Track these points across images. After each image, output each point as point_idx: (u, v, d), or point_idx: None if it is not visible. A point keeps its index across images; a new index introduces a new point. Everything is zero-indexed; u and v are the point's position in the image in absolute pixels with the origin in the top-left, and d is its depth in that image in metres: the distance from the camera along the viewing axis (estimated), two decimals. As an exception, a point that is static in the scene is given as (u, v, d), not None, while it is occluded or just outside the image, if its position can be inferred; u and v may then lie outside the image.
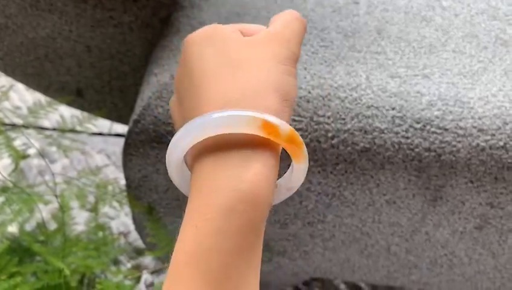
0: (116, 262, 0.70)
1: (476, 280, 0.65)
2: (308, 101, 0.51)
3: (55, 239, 0.59)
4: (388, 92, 0.52)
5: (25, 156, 0.62)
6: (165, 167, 0.26)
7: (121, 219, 1.04)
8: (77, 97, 0.75)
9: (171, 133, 0.51)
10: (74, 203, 0.63)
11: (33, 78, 0.73)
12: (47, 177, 1.07)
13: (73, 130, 0.68)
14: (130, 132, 0.53)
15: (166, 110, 0.52)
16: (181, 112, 0.28)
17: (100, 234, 0.63)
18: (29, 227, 0.62)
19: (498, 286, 0.65)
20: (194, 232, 0.23)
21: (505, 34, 0.58)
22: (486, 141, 0.50)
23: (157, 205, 0.60)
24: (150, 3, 0.62)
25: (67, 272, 0.49)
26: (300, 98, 0.51)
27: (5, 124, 0.64)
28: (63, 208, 0.59)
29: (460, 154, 0.50)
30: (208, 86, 0.26)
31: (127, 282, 0.60)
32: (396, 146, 0.51)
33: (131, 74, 0.70)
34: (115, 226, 1.03)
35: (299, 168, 0.26)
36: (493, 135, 0.50)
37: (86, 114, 0.71)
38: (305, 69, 0.53)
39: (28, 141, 0.60)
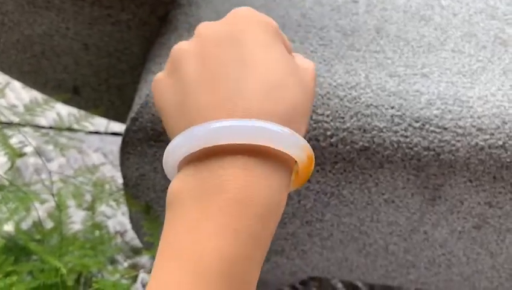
0: (113, 261, 0.69)
1: (474, 280, 0.65)
2: (307, 100, 0.51)
3: (51, 238, 0.58)
4: (387, 91, 0.52)
5: (21, 154, 0.62)
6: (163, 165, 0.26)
7: (117, 218, 1.04)
8: (74, 95, 0.75)
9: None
10: (71, 202, 0.62)
11: (29, 75, 0.73)
12: (43, 176, 1.06)
13: (70, 129, 0.68)
14: (127, 130, 0.53)
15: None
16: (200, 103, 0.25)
17: (97, 233, 0.63)
18: (25, 226, 0.61)
19: (496, 285, 0.65)
20: (234, 237, 0.22)
21: (503, 34, 0.58)
22: (485, 140, 0.50)
23: (155, 204, 0.60)
24: (147, 1, 0.62)
25: (63, 271, 0.49)
26: (299, 96, 0.51)
27: (1, 122, 0.63)
28: (60, 207, 0.58)
29: (459, 153, 0.50)
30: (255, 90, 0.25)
31: (124, 281, 0.60)
32: (395, 145, 0.50)
33: (128, 72, 0.70)
34: (112, 225, 1.02)
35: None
36: (492, 134, 0.50)
37: (83, 112, 0.70)
38: (304, 67, 0.53)
39: (25, 139, 0.60)
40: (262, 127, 0.23)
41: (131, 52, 0.67)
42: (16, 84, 1.28)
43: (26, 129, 0.65)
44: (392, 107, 0.51)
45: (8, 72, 0.73)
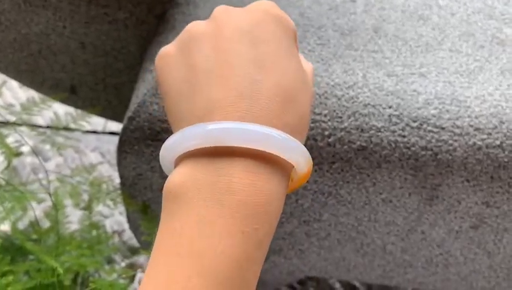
0: (110, 261, 0.69)
1: (471, 279, 0.65)
2: (304, 99, 0.51)
3: (48, 237, 0.58)
4: (385, 90, 0.52)
5: (18, 154, 0.62)
6: (160, 164, 0.25)
7: (115, 218, 1.03)
8: (71, 94, 0.75)
9: (166, 130, 0.51)
10: (68, 202, 0.62)
11: (26, 74, 0.73)
12: (40, 175, 1.06)
13: (67, 128, 0.68)
14: (124, 129, 0.53)
15: (162, 107, 0.51)
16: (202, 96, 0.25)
17: (94, 232, 0.63)
18: (22, 225, 0.61)
19: (493, 285, 0.65)
20: (242, 239, 0.22)
21: (501, 33, 0.58)
22: (482, 140, 0.50)
23: (152, 203, 0.60)
24: (145, 0, 0.62)
25: (60, 270, 0.49)
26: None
27: (-3, 121, 0.63)
28: (57, 206, 0.58)
29: (456, 153, 0.50)
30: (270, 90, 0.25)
31: (121, 281, 0.60)
32: (393, 145, 0.50)
33: (126, 71, 0.70)
34: (109, 224, 1.02)
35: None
36: (490, 134, 0.50)
37: (80, 111, 0.70)
38: (302, 67, 0.53)
39: (22, 139, 0.59)
40: (273, 135, 0.23)
41: (129, 51, 0.67)
42: (13, 83, 1.27)
43: (23, 128, 0.64)
44: (390, 107, 0.51)
45: (5, 71, 0.72)
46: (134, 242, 0.95)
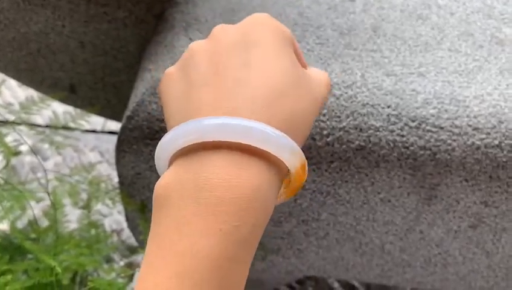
0: (108, 260, 0.69)
1: (469, 279, 0.65)
2: (303, 99, 0.51)
3: (47, 237, 0.58)
4: (383, 90, 0.52)
5: (16, 153, 0.62)
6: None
7: (113, 217, 1.03)
8: (70, 93, 0.75)
9: (165, 130, 0.51)
10: (66, 201, 0.62)
11: (25, 73, 0.73)
12: (39, 175, 1.06)
13: (66, 127, 0.68)
14: (123, 128, 0.53)
15: (161, 106, 0.51)
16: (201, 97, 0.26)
17: (93, 231, 0.63)
18: (20, 224, 0.61)
19: (491, 284, 0.65)
20: (220, 237, 0.22)
21: (500, 33, 0.58)
22: (481, 139, 0.50)
23: (151, 203, 0.60)
24: (144, -1, 0.62)
25: (59, 270, 0.49)
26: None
27: (-4, 120, 0.63)
28: (55, 205, 0.58)
29: (455, 152, 0.50)
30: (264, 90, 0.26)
31: (120, 280, 0.59)
32: (392, 144, 0.50)
33: (125, 70, 0.70)
34: (108, 224, 1.02)
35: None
36: (488, 133, 0.50)
37: (79, 110, 0.70)
38: (301, 66, 0.53)
39: (20, 138, 0.59)
40: (253, 126, 0.23)
41: (128, 50, 0.67)
42: (12, 82, 1.27)
43: (22, 127, 0.64)
44: (389, 106, 0.51)
45: (4, 70, 0.72)
46: (133, 241, 0.95)
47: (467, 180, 0.52)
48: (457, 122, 0.50)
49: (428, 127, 0.50)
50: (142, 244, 0.68)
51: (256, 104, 0.24)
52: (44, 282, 0.50)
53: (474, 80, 0.53)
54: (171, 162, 0.25)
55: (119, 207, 0.87)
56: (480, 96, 0.51)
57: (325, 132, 0.50)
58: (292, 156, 0.24)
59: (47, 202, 0.60)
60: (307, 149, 0.51)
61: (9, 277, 0.46)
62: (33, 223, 0.60)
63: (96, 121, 1.20)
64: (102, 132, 1.20)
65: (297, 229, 0.60)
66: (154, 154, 0.54)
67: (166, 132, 0.26)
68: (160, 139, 0.26)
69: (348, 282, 0.94)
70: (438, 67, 0.54)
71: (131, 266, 0.85)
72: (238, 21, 0.29)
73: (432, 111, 0.50)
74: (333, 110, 0.50)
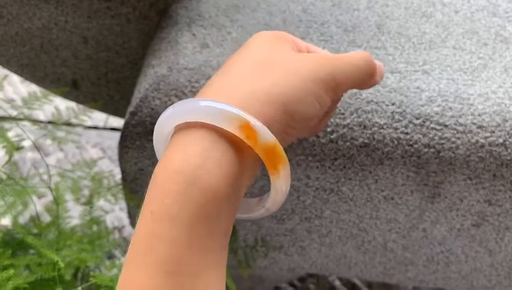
0: (110, 256, 0.69)
1: (472, 278, 0.64)
2: (307, 95, 0.51)
3: (49, 232, 0.58)
4: (388, 87, 0.51)
5: (18, 148, 0.61)
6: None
7: (115, 213, 1.03)
8: (73, 89, 0.74)
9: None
10: (68, 196, 0.62)
11: (28, 69, 0.72)
12: (41, 170, 1.06)
13: (68, 123, 0.68)
14: (126, 124, 0.53)
15: (164, 102, 0.51)
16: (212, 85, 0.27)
17: (95, 227, 0.63)
18: (22, 220, 0.61)
19: (494, 283, 0.65)
20: (149, 219, 0.23)
21: (505, 31, 0.58)
22: (485, 137, 0.50)
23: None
24: (147, -5, 0.62)
25: (61, 265, 0.49)
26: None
27: (-2, 116, 0.63)
28: (57, 201, 0.58)
29: (459, 150, 0.50)
30: (233, 76, 0.26)
31: (122, 276, 0.59)
32: (396, 142, 0.50)
33: (128, 66, 0.69)
34: (110, 220, 1.02)
35: (276, 188, 0.26)
36: (493, 131, 0.50)
37: (81, 106, 0.70)
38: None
39: (23, 133, 0.59)
40: (196, 104, 0.24)
41: (131, 46, 0.67)
42: (14, 78, 1.27)
43: (24, 123, 0.64)
44: (393, 104, 0.50)
45: (7, 65, 0.72)
46: (134, 238, 0.95)
47: (470, 179, 0.52)
48: (461, 120, 0.50)
49: (432, 125, 0.50)
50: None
51: (226, 86, 0.26)
52: (46, 277, 0.50)
53: (479, 78, 0.53)
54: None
55: (121, 204, 0.86)
56: (484, 95, 0.51)
57: (328, 129, 0.50)
58: (227, 120, 0.24)
59: (49, 198, 0.60)
60: (310, 146, 0.51)
61: (11, 271, 0.46)
62: (35, 218, 0.60)
63: (98, 118, 1.20)
64: (105, 128, 1.20)
65: (300, 226, 0.60)
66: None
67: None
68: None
69: (349, 280, 0.94)
70: (443, 65, 0.54)
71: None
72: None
73: (436, 109, 0.50)
74: (337, 107, 0.50)
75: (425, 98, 0.51)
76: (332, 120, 0.50)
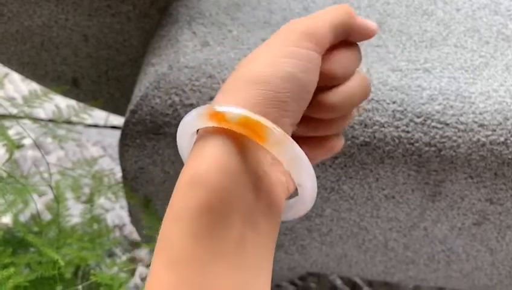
0: (111, 254, 0.69)
1: (473, 276, 0.64)
2: (308, 94, 0.51)
3: (49, 230, 0.58)
4: (389, 85, 0.51)
5: (19, 146, 0.61)
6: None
7: (116, 212, 1.03)
8: (73, 87, 0.74)
9: (169, 124, 0.51)
10: (69, 195, 0.62)
11: (28, 67, 0.72)
12: (42, 168, 1.06)
13: (68, 122, 0.67)
14: (126, 122, 0.52)
15: (164, 100, 0.51)
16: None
17: (95, 226, 0.63)
18: (23, 218, 0.61)
19: (495, 282, 0.65)
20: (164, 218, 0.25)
21: (506, 29, 0.58)
22: (486, 136, 0.50)
23: (154, 197, 0.60)
24: (148, -7, 0.61)
25: (61, 263, 0.49)
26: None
27: (-1, 114, 0.63)
28: (58, 199, 0.58)
29: (460, 149, 0.50)
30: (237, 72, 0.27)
31: (122, 274, 0.59)
32: (397, 140, 0.50)
33: (128, 64, 0.69)
34: (110, 219, 1.02)
35: (280, 157, 0.25)
36: (494, 130, 0.50)
37: (81, 105, 0.70)
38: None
39: (23, 131, 0.59)
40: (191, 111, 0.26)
41: (131, 44, 0.67)
42: (15, 76, 1.27)
43: (25, 121, 0.64)
44: (394, 102, 0.50)
45: (7, 63, 0.72)
46: (135, 236, 0.95)
47: (471, 177, 0.51)
48: (462, 119, 0.50)
49: (433, 124, 0.50)
50: (144, 239, 0.68)
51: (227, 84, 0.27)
52: (47, 275, 0.50)
53: (480, 77, 0.52)
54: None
55: (122, 202, 0.86)
56: (486, 93, 0.51)
57: (329, 128, 0.50)
58: (201, 117, 0.25)
59: (50, 196, 0.60)
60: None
61: (12, 270, 0.46)
62: (36, 216, 0.60)
63: (99, 116, 1.20)
64: (105, 126, 1.20)
65: (301, 225, 0.60)
66: (157, 149, 0.54)
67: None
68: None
69: (350, 279, 0.94)
70: (444, 63, 0.53)
71: (134, 261, 0.85)
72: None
73: (437, 107, 0.50)
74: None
75: (426, 96, 0.51)
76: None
